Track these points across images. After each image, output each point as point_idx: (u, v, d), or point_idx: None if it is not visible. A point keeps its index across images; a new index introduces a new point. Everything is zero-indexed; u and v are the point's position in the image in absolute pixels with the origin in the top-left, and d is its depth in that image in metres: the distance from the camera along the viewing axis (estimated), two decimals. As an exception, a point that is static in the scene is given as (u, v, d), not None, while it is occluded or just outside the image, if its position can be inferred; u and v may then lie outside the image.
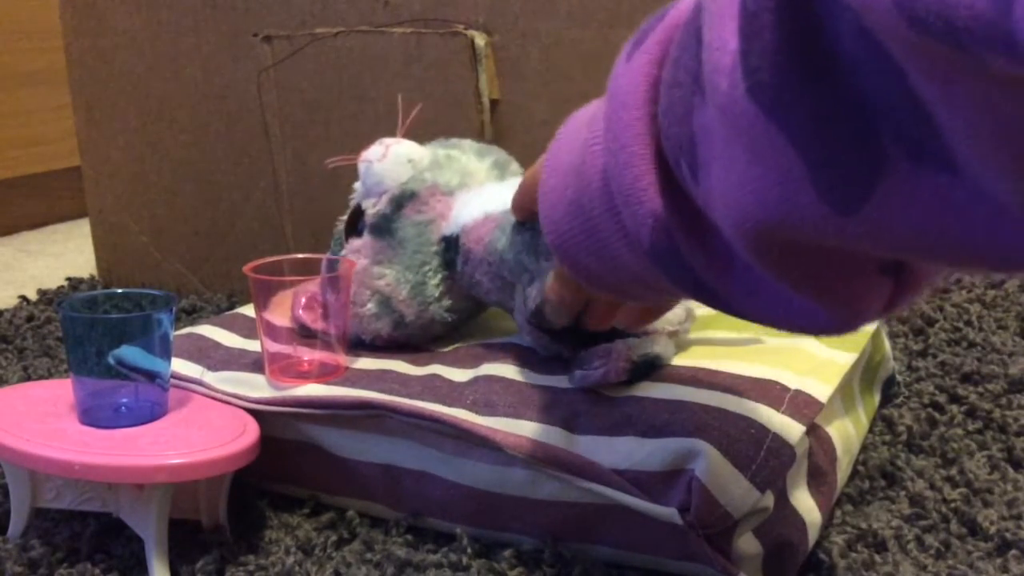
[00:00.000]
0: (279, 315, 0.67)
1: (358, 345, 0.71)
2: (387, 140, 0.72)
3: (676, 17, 0.42)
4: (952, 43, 0.24)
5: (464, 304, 0.72)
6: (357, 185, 0.74)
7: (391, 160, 0.71)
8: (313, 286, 0.69)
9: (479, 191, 0.71)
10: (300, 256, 0.71)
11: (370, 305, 0.70)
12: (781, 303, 0.40)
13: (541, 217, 0.49)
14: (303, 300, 0.70)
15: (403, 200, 0.70)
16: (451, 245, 0.70)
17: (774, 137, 0.32)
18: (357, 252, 0.71)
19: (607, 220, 0.45)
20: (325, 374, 0.67)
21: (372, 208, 0.71)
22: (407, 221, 0.70)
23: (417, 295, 0.70)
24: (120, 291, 0.65)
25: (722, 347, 0.66)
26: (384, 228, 0.70)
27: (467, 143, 0.76)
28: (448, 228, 0.70)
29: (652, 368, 0.61)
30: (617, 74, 0.43)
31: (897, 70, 0.28)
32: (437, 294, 0.70)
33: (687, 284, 0.43)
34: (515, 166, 0.76)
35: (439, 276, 0.70)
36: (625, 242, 0.44)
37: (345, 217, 0.74)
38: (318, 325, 0.69)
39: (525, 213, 0.61)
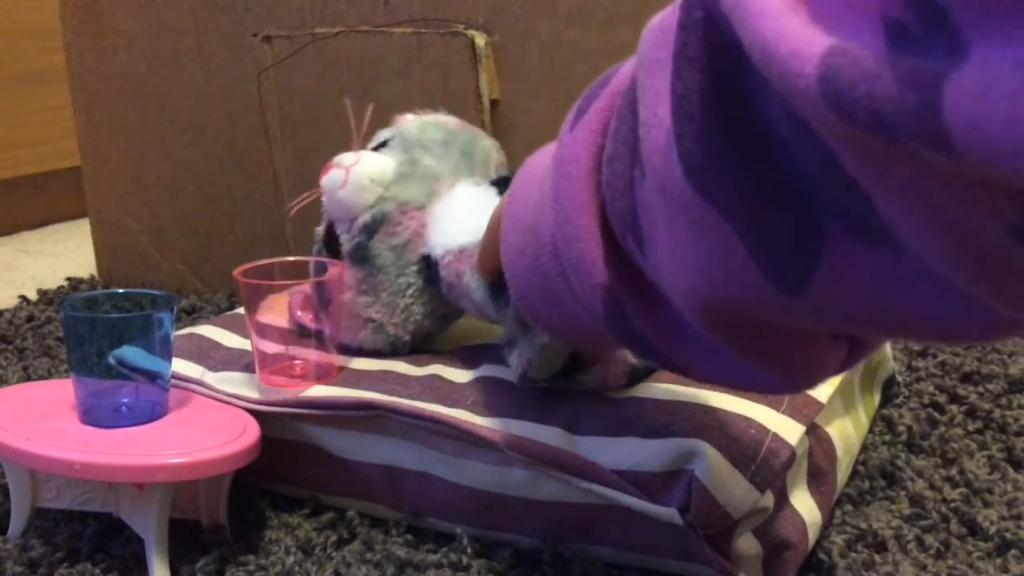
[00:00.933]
0: (271, 318, 0.67)
1: (358, 352, 0.71)
2: (345, 160, 0.69)
3: (618, 84, 0.42)
4: (883, 136, 0.24)
5: (454, 308, 0.71)
6: (324, 206, 0.71)
7: (353, 185, 0.68)
8: (308, 287, 0.68)
9: (450, 207, 0.68)
10: (291, 259, 0.70)
11: (365, 332, 0.70)
12: (734, 369, 0.40)
13: (506, 275, 0.49)
14: (300, 300, 0.69)
15: (375, 225, 0.68)
16: (432, 265, 0.68)
17: (714, 217, 0.32)
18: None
19: (561, 284, 0.44)
20: (318, 376, 0.67)
21: (346, 236, 0.69)
22: (383, 246, 0.68)
23: (408, 317, 0.69)
24: (121, 291, 0.65)
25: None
26: (362, 256, 0.69)
27: (429, 130, 0.71)
28: (426, 247, 0.69)
29: (650, 373, 0.61)
30: (562, 143, 0.42)
31: (830, 153, 0.28)
32: (427, 311, 0.70)
33: (640, 348, 0.43)
34: (483, 145, 0.73)
35: (425, 295, 0.69)
36: (580, 307, 0.44)
37: (322, 229, 0.73)
38: (312, 324, 0.68)
39: (492, 274, 0.59)
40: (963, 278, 0.27)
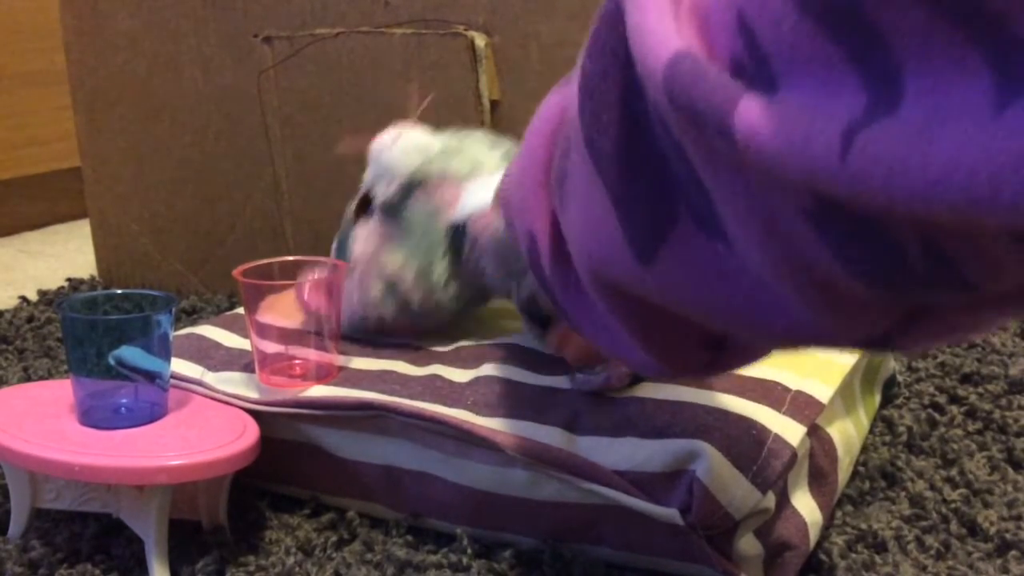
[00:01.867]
0: (271, 318, 0.67)
1: (362, 330, 0.72)
2: (399, 127, 0.73)
3: None
4: (695, 123, 0.29)
5: (469, 292, 0.72)
6: (368, 171, 0.74)
7: (402, 147, 0.72)
8: (317, 274, 0.69)
9: (488, 180, 0.71)
10: (291, 259, 0.71)
11: (376, 289, 0.71)
12: (614, 338, 0.43)
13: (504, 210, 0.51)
14: (310, 286, 0.70)
15: (412, 187, 0.71)
16: (459, 232, 0.70)
17: (599, 189, 0.37)
18: (365, 235, 0.72)
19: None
20: (318, 377, 0.67)
21: (382, 193, 0.72)
22: (416, 207, 0.71)
23: (423, 280, 0.70)
24: (120, 292, 0.65)
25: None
26: (393, 213, 0.71)
27: (479, 134, 0.76)
28: (456, 216, 0.70)
29: None
30: (549, 97, 0.46)
31: (681, 149, 0.32)
32: (443, 281, 0.71)
33: (549, 297, 0.47)
34: None
35: (445, 262, 0.71)
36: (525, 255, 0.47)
37: (355, 201, 0.75)
38: (324, 310, 0.69)
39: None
40: (771, 273, 0.31)
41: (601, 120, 0.35)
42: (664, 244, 0.35)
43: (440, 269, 0.70)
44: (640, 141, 0.34)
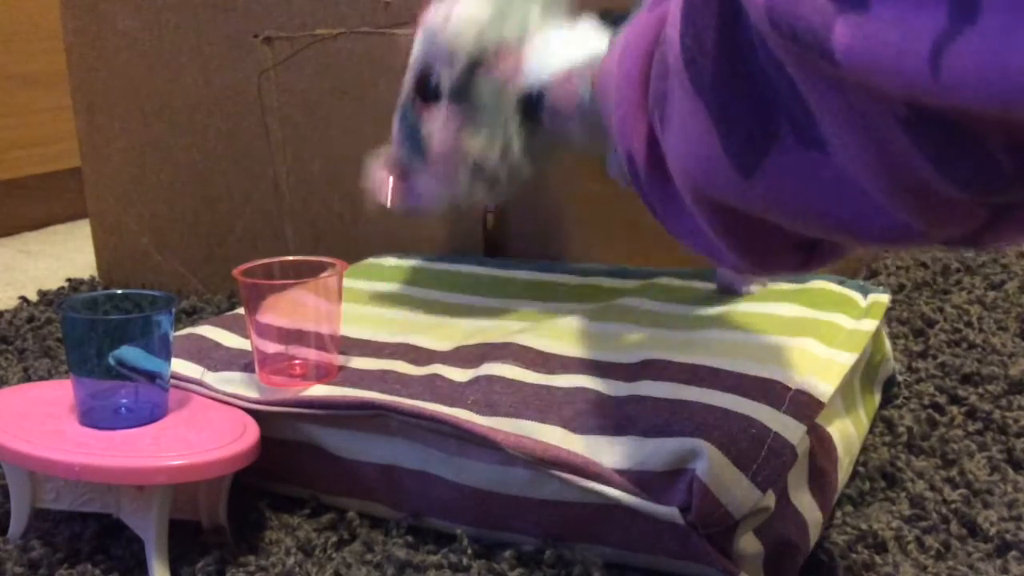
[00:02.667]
0: (271, 317, 0.67)
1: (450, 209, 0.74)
2: (444, 3, 0.73)
3: None
4: (797, 46, 0.31)
5: (546, 151, 0.75)
6: (415, 47, 0.74)
7: (455, 25, 0.72)
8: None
9: (547, 43, 0.72)
10: (291, 259, 0.71)
11: (465, 176, 0.73)
12: (703, 240, 0.46)
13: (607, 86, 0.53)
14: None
15: (476, 64, 0.71)
16: (533, 100, 0.71)
17: (699, 105, 0.39)
18: (440, 122, 0.72)
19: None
20: (318, 376, 0.67)
21: (447, 77, 0.72)
22: (484, 83, 0.72)
23: (507, 154, 0.72)
24: (120, 292, 0.65)
25: (723, 344, 0.66)
26: (463, 94, 0.72)
27: None
28: (526, 83, 0.72)
29: None
30: (636, 18, 0.47)
31: (779, 61, 0.34)
32: (524, 147, 0.73)
33: (652, 210, 0.49)
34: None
35: (523, 131, 0.73)
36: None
37: (410, 80, 0.75)
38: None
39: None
40: (869, 179, 0.33)
41: (704, 44, 0.37)
42: (766, 158, 0.37)
43: (519, 141, 0.72)
44: (741, 63, 0.36)
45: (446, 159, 0.72)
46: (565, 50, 0.71)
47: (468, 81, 0.71)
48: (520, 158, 0.73)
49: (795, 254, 0.44)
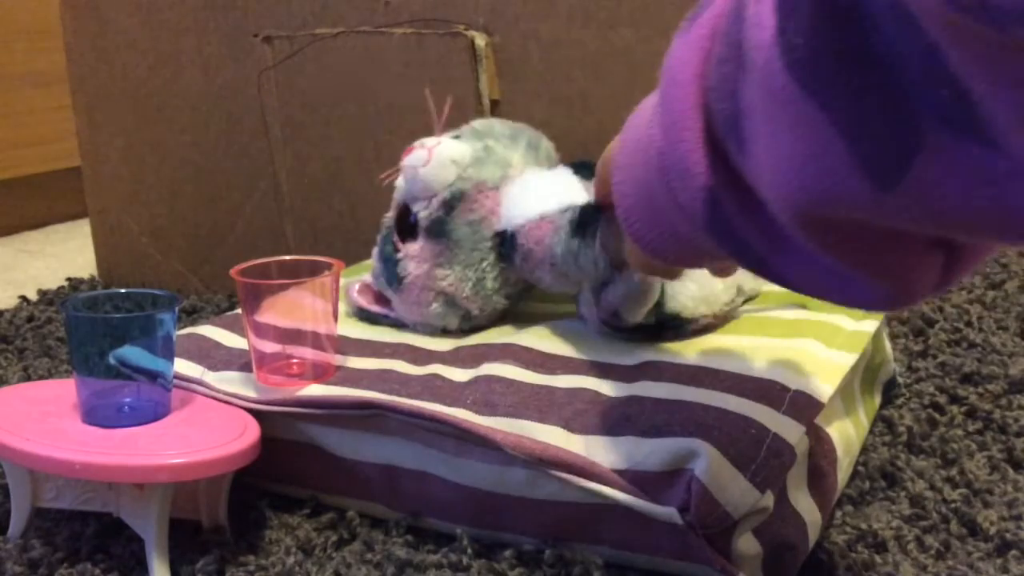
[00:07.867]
0: (268, 317, 0.67)
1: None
2: (427, 142, 0.74)
3: None
4: (984, 20, 0.25)
5: (518, 288, 0.76)
6: (399, 183, 0.76)
7: (436, 164, 0.73)
8: (367, 277, 0.75)
9: (524, 184, 0.74)
10: (289, 258, 0.71)
11: (436, 305, 0.73)
12: (830, 277, 0.40)
13: (614, 195, 0.49)
14: (357, 285, 0.78)
15: (454, 202, 0.73)
16: (506, 241, 0.73)
17: (813, 113, 0.33)
18: (415, 256, 0.73)
19: (664, 195, 0.44)
20: (315, 376, 0.67)
21: (424, 212, 0.73)
22: (460, 221, 0.73)
23: (479, 290, 0.73)
24: (123, 291, 0.65)
25: (723, 345, 0.66)
26: (439, 231, 0.73)
27: (495, 126, 0.78)
28: (501, 224, 0.73)
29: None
30: (673, 48, 0.43)
31: (931, 46, 0.29)
32: (497, 285, 0.74)
33: (741, 253, 0.43)
34: (545, 143, 0.80)
35: (496, 269, 0.74)
36: (681, 216, 0.44)
37: (392, 215, 0.77)
38: (375, 308, 0.77)
39: (604, 198, 0.62)
40: None
41: (816, 36, 0.32)
42: (912, 163, 0.32)
43: (492, 277, 0.74)
44: (865, 49, 0.31)
45: (418, 293, 0.73)
46: (542, 196, 0.72)
47: (445, 218, 0.73)
48: (493, 293, 0.74)
49: (933, 269, 0.38)
